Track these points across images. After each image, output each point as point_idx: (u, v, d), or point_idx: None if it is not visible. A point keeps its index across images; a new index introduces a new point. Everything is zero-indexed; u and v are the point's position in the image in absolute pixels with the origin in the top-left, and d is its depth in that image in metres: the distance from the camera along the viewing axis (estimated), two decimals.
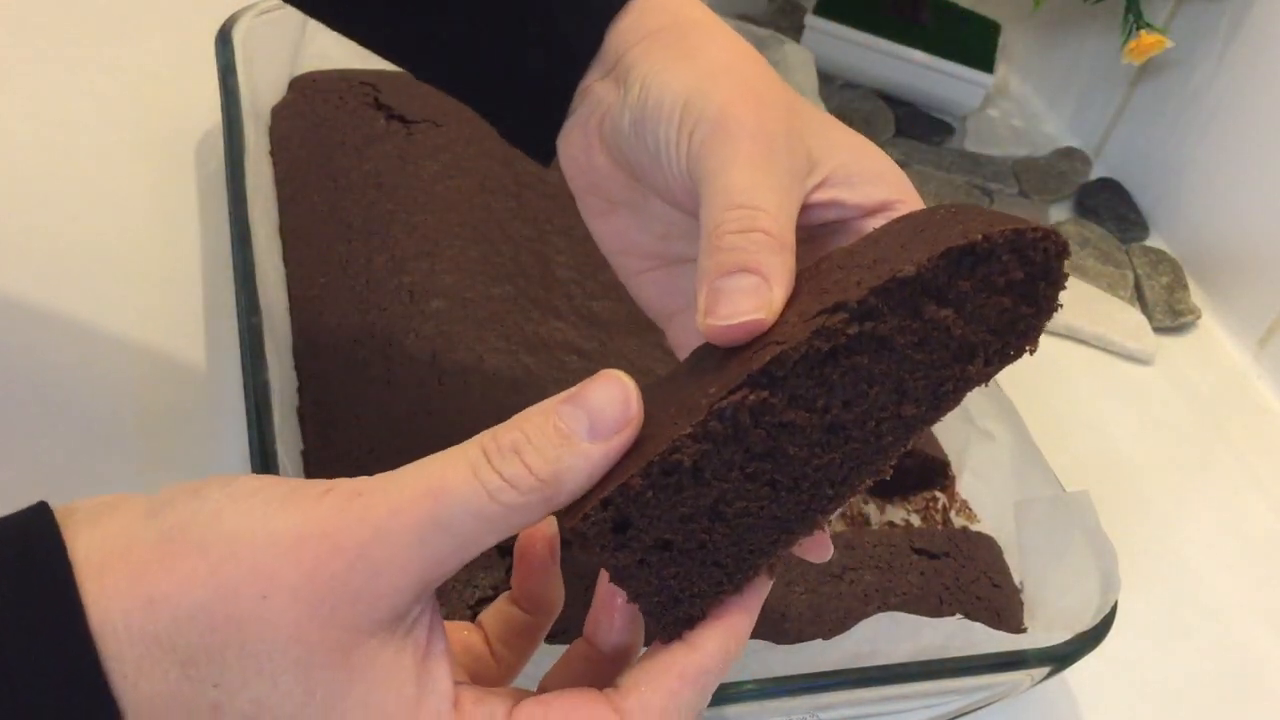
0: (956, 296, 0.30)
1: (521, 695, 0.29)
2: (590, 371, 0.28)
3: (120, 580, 0.26)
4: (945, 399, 0.31)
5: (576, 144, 0.39)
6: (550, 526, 0.33)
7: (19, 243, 0.63)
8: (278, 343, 0.52)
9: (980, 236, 0.29)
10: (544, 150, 0.40)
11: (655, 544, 0.29)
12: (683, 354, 0.38)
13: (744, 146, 0.32)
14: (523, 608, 0.33)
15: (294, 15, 0.70)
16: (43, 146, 0.69)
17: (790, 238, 0.32)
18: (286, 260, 0.59)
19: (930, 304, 0.30)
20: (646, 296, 0.40)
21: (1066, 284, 0.31)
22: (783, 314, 0.30)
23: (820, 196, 0.34)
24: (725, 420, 0.28)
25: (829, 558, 0.34)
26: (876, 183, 0.35)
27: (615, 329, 0.57)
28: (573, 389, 0.28)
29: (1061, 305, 0.31)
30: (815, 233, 0.35)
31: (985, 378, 0.32)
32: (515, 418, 0.27)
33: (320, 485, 0.27)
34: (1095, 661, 0.48)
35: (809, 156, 0.34)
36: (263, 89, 0.67)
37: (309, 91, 0.68)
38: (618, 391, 0.27)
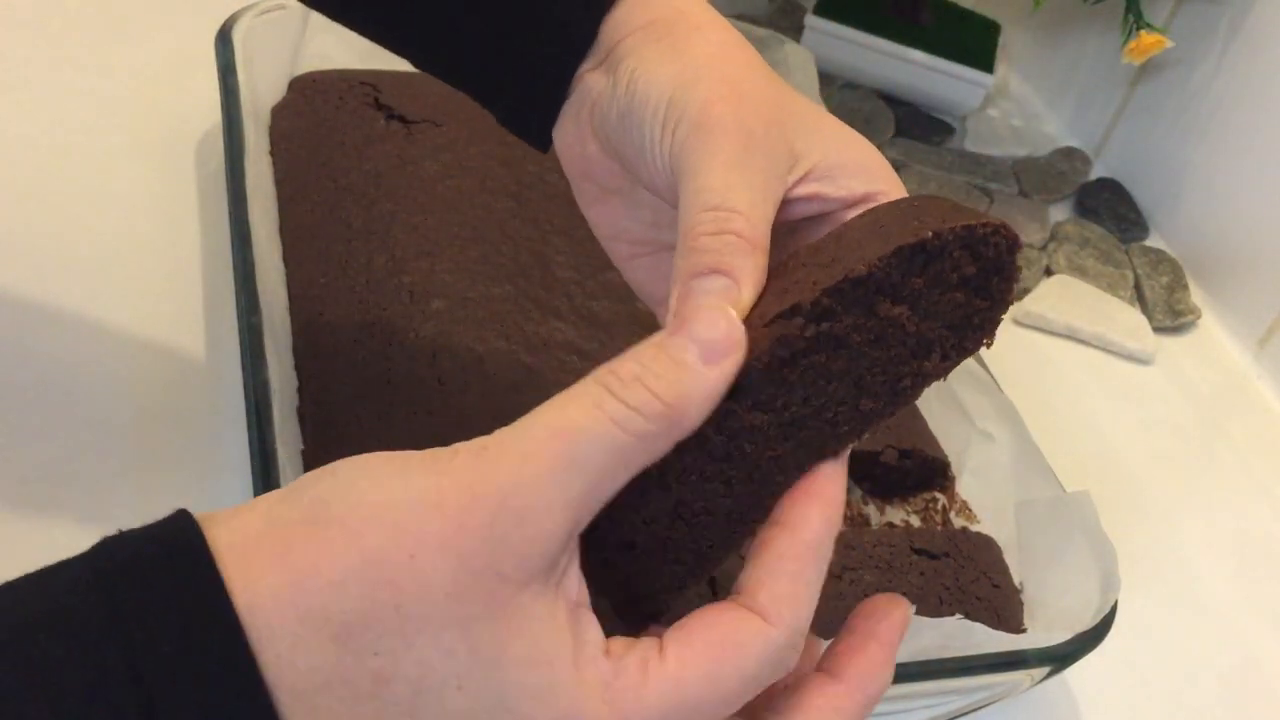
0: (910, 293, 0.30)
1: (658, 634, 0.29)
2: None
3: (265, 562, 0.25)
4: (903, 394, 0.32)
5: (570, 132, 0.39)
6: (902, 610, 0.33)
7: (19, 242, 0.63)
8: (278, 342, 0.52)
9: (930, 233, 0.29)
10: (542, 138, 0.41)
11: (619, 544, 0.30)
12: None
13: (722, 146, 0.33)
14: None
15: (294, 15, 0.70)
16: (43, 146, 0.69)
17: (763, 238, 0.32)
18: (286, 260, 0.59)
19: (884, 302, 0.30)
20: (638, 281, 0.41)
21: (1020, 276, 0.31)
22: (751, 311, 0.31)
23: (802, 190, 0.34)
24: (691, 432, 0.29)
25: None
26: (858, 175, 0.35)
27: (615, 329, 0.57)
28: (674, 322, 0.28)
29: (1018, 299, 0.31)
30: (798, 226, 0.36)
31: (943, 372, 0.32)
32: (628, 353, 0.27)
33: (445, 449, 0.27)
34: (1095, 661, 0.48)
35: (791, 151, 0.34)
36: (263, 89, 0.67)
37: (309, 91, 0.68)
38: (719, 317, 0.28)
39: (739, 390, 0.29)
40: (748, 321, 0.30)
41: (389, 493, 0.26)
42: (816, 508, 0.30)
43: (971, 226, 0.30)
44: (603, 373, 0.27)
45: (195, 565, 0.25)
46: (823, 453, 0.31)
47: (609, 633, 0.29)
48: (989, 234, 0.30)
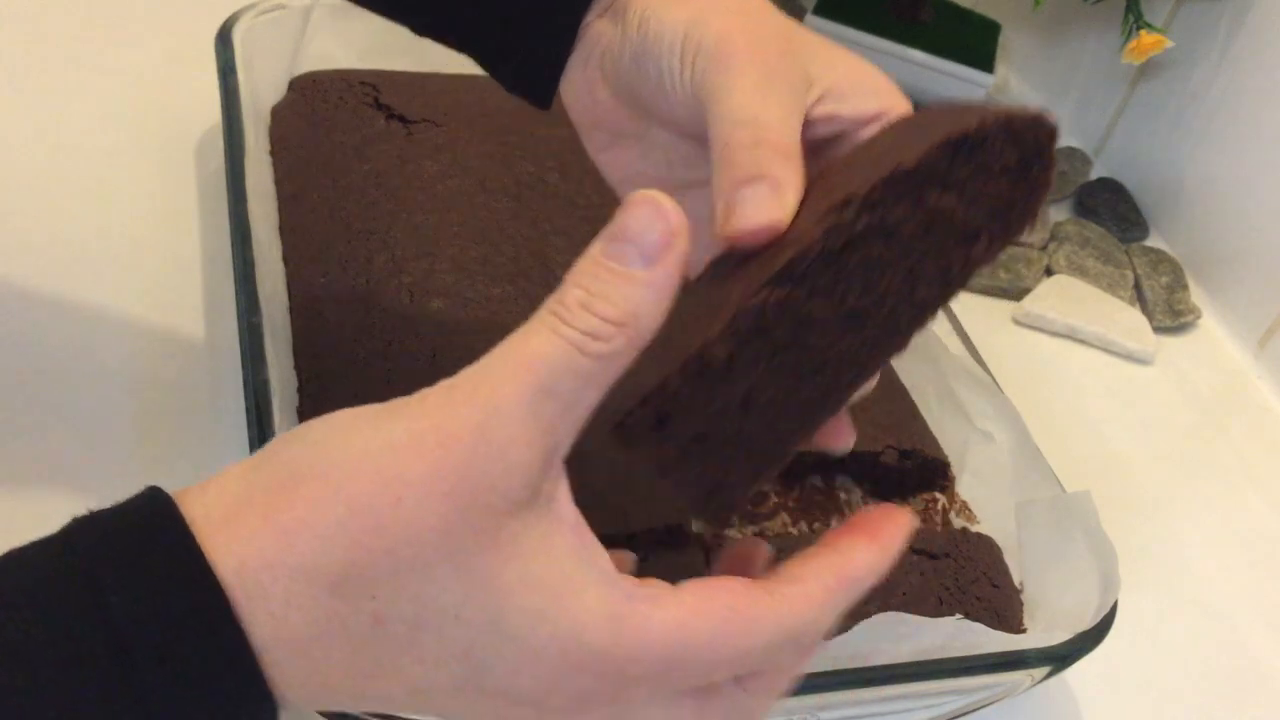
0: (957, 183, 0.31)
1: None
2: None
3: (250, 524, 0.26)
4: (954, 280, 0.33)
5: (579, 82, 0.41)
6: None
7: (19, 241, 0.63)
8: (278, 342, 0.52)
9: (975, 124, 0.31)
10: (545, 95, 0.42)
11: (693, 437, 0.31)
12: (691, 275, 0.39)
13: (745, 69, 0.34)
14: None
15: (294, 15, 0.70)
16: (43, 146, 0.69)
17: (797, 148, 0.33)
18: (286, 260, 0.59)
19: (933, 192, 0.31)
20: None
21: (1056, 163, 0.33)
22: (795, 218, 0.32)
23: (819, 111, 0.36)
24: (752, 318, 0.30)
25: (850, 446, 0.36)
26: (870, 95, 0.36)
27: None
28: (609, 226, 0.28)
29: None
30: (815, 147, 0.36)
31: (990, 258, 0.34)
32: (569, 275, 0.28)
33: (413, 395, 0.27)
34: (1095, 661, 0.48)
35: (805, 75, 0.36)
36: (263, 89, 0.68)
37: (309, 91, 0.68)
38: (651, 210, 0.28)
39: (798, 279, 0.30)
40: (796, 221, 0.31)
41: (365, 443, 0.26)
42: (872, 550, 0.31)
43: (1012, 116, 0.31)
44: (552, 303, 0.28)
45: (169, 533, 0.26)
46: (887, 348, 0.33)
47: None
48: (1029, 123, 0.32)
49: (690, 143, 0.39)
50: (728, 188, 0.32)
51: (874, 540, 0.31)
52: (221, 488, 0.27)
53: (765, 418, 0.32)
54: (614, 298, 0.27)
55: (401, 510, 0.25)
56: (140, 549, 0.25)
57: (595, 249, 0.28)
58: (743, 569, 0.33)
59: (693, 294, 0.33)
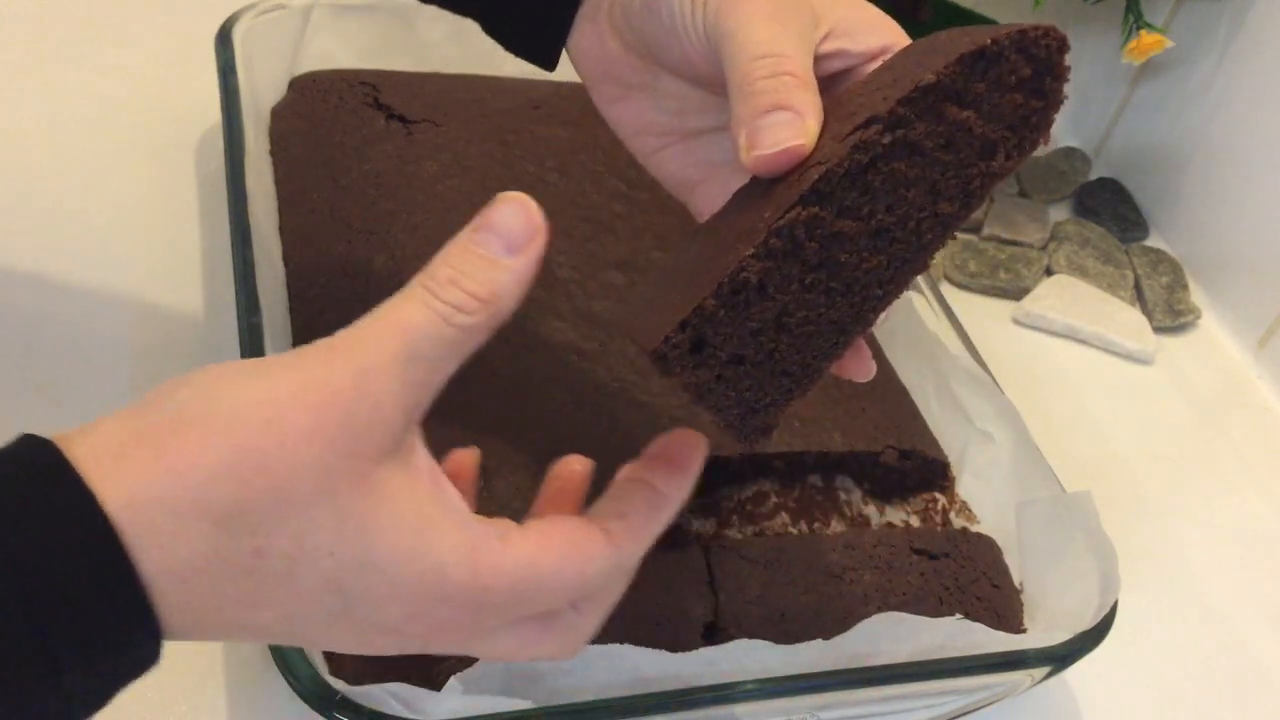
0: (974, 98, 0.33)
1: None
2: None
3: (140, 462, 0.27)
4: (974, 194, 0.35)
5: (588, 35, 0.42)
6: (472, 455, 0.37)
7: (19, 241, 0.63)
8: (278, 342, 0.52)
9: (990, 40, 0.32)
10: (550, 54, 0.43)
11: (729, 359, 0.33)
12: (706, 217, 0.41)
13: (757, 6, 0.36)
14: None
15: (294, 16, 0.70)
16: (43, 146, 0.70)
17: (813, 78, 0.35)
18: (286, 260, 0.59)
19: (952, 107, 0.33)
20: (667, 171, 0.43)
21: (1069, 76, 0.35)
22: (817, 143, 0.34)
23: (826, 47, 0.37)
24: (783, 237, 0.32)
25: (872, 375, 0.38)
26: (875, 31, 0.38)
27: (615, 329, 0.57)
28: (477, 219, 0.31)
29: (1067, 97, 0.35)
30: (824, 84, 0.37)
31: (1007, 171, 0.35)
32: (439, 256, 0.31)
33: (292, 351, 0.30)
34: (1095, 661, 0.48)
35: (813, 11, 0.37)
36: (263, 89, 0.67)
37: (309, 91, 0.68)
38: (518, 207, 0.31)
39: (825, 197, 0.32)
40: (819, 145, 0.33)
41: (252, 392, 0.28)
42: (674, 480, 0.34)
43: (1024, 31, 0.33)
44: (424, 277, 0.30)
45: (53, 471, 0.27)
46: (913, 266, 0.35)
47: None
48: (1040, 36, 0.34)
49: (701, 91, 0.41)
50: (749, 117, 0.34)
51: (674, 465, 0.35)
52: (107, 431, 0.28)
53: (798, 337, 0.34)
54: (480, 278, 0.30)
55: (286, 453, 0.28)
56: (27, 487, 0.26)
57: (465, 235, 0.31)
58: (564, 492, 0.36)
59: (717, 228, 0.35)
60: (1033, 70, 0.34)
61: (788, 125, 0.34)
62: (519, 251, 0.31)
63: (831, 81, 0.38)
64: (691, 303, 0.32)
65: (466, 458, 0.37)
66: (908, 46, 0.37)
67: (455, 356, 0.31)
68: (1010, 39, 0.33)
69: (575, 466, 0.37)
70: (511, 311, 0.31)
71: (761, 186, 0.35)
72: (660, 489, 0.34)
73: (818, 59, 0.37)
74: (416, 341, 0.29)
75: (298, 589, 0.29)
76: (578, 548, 0.32)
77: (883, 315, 0.36)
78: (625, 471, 0.35)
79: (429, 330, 0.30)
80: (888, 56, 0.38)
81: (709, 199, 0.42)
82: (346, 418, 0.28)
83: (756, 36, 0.35)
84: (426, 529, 0.30)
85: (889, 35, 0.38)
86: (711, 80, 0.38)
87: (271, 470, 0.28)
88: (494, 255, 0.31)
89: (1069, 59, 0.34)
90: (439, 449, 0.32)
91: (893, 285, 0.35)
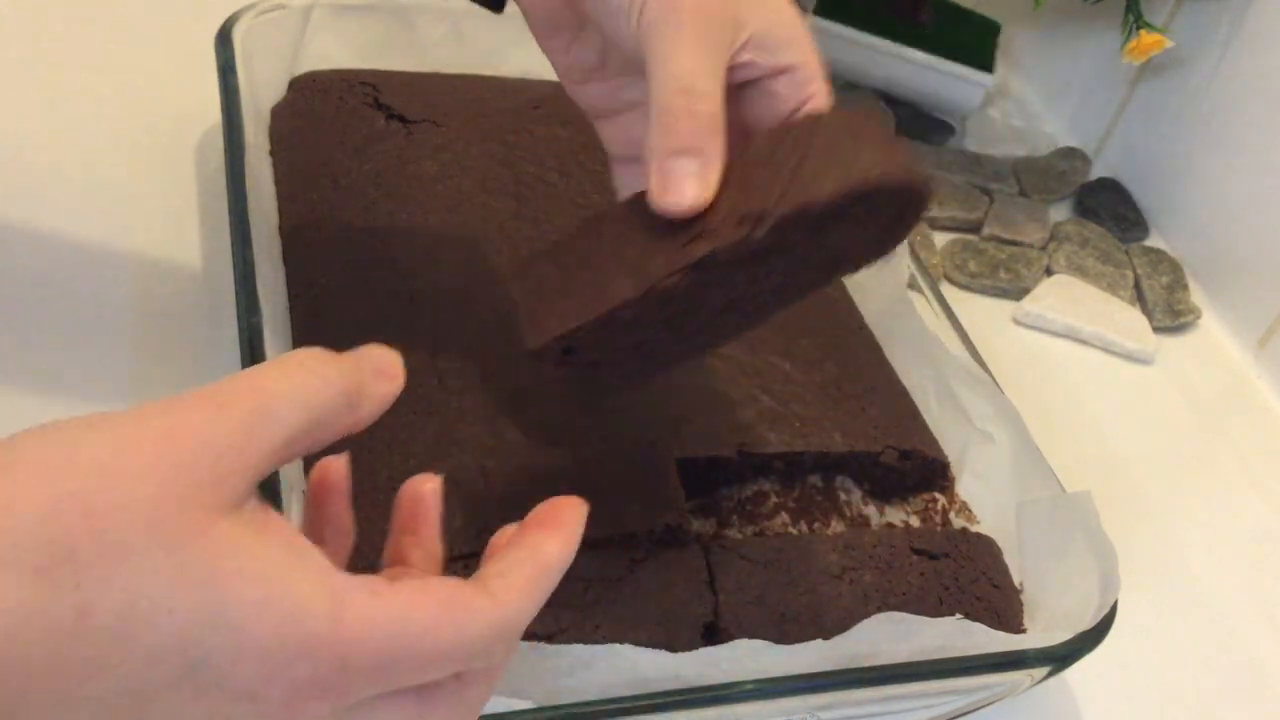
0: (850, 218, 0.37)
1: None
2: None
3: None
4: (820, 286, 0.43)
5: None
6: (341, 460, 0.35)
7: (19, 241, 0.63)
8: (278, 342, 0.52)
9: (877, 179, 0.36)
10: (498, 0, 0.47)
11: (589, 363, 0.40)
12: (613, 148, 0.46)
13: (687, 27, 0.37)
14: (317, 538, 0.34)
15: (294, 15, 0.70)
16: (43, 146, 0.70)
17: (722, 115, 0.37)
18: (286, 259, 0.59)
19: (829, 223, 0.37)
20: (585, 100, 0.46)
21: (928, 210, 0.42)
22: (716, 194, 0.37)
23: (742, 58, 0.39)
24: (662, 293, 0.37)
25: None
26: (788, 48, 0.39)
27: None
28: (353, 356, 0.32)
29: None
30: (732, 94, 0.39)
31: (857, 270, 0.42)
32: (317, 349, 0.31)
33: (145, 403, 0.28)
34: (1095, 661, 0.48)
35: (736, 18, 0.39)
36: (262, 88, 0.68)
37: (309, 91, 0.68)
38: (388, 357, 0.32)
39: (705, 269, 0.37)
40: (714, 208, 0.37)
41: (89, 436, 0.26)
42: (558, 538, 0.33)
43: (908, 181, 0.37)
44: (301, 351, 0.30)
45: None
46: (756, 321, 0.43)
47: None
48: (916, 185, 0.38)
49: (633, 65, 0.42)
50: (663, 152, 0.37)
51: (559, 529, 0.33)
52: None
53: (649, 355, 0.42)
54: (350, 376, 0.30)
55: (114, 494, 0.25)
56: None
57: (350, 356, 0.31)
58: (415, 516, 0.35)
59: (614, 227, 0.39)
60: (902, 206, 0.38)
61: (694, 177, 0.36)
62: (386, 380, 0.32)
63: (738, 93, 0.40)
64: (571, 323, 0.38)
65: (336, 468, 0.35)
66: (813, 123, 0.38)
67: (311, 435, 0.29)
68: (894, 184, 0.37)
69: (425, 486, 0.35)
70: (365, 420, 0.31)
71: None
72: (544, 548, 0.32)
73: (731, 68, 0.39)
74: (271, 401, 0.28)
75: (133, 651, 0.25)
76: (457, 604, 0.29)
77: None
78: (505, 535, 0.34)
79: (288, 398, 0.29)
80: (792, 75, 0.39)
81: (620, 128, 0.45)
82: (185, 465, 0.26)
83: (680, 66, 0.37)
84: (281, 577, 0.27)
85: (798, 55, 0.39)
86: (638, 64, 0.39)
87: (96, 514, 0.25)
88: (366, 367, 0.31)
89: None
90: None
91: (735, 331, 0.43)
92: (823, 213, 0.36)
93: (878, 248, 0.41)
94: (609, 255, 0.38)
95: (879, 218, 0.38)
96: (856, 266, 0.42)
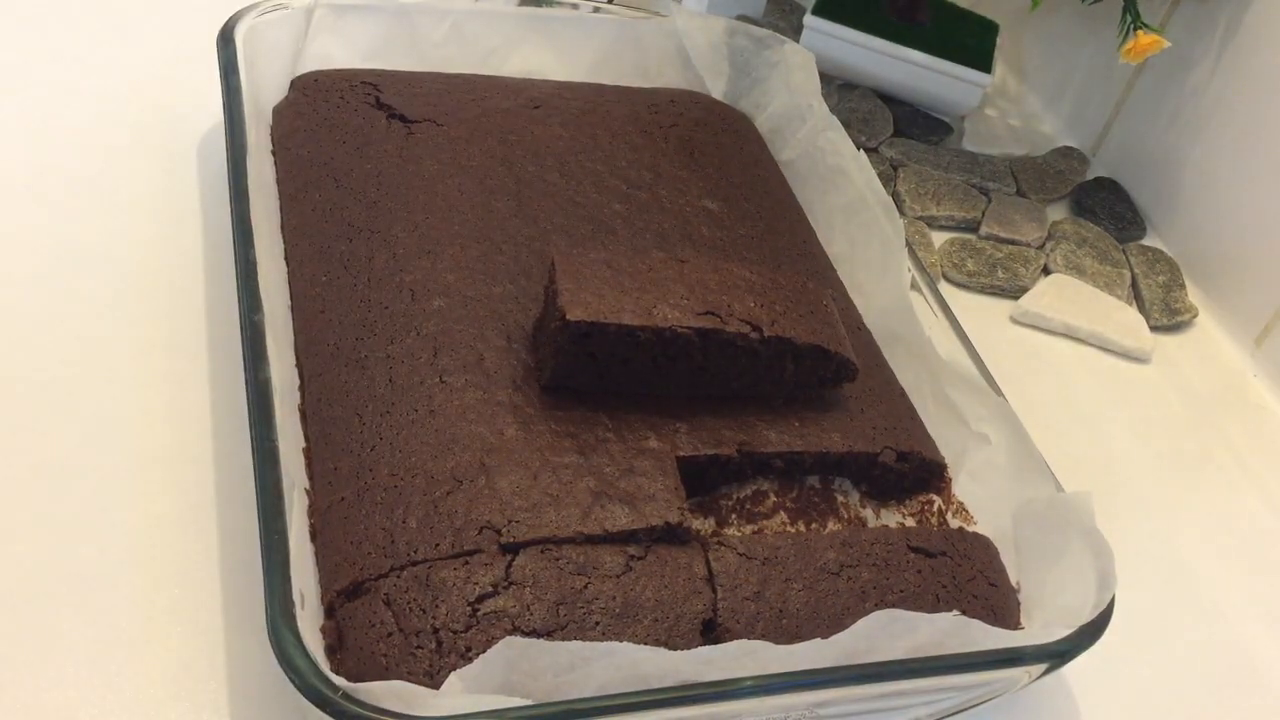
0: (799, 362, 0.54)
1: None
2: None
3: None
4: (756, 394, 0.55)
5: None
6: None
7: (20, 242, 0.63)
8: (279, 340, 0.52)
9: (834, 352, 0.54)
10: None
11: (589, 354, 0.50)
12: None
13: None
14: None
15: (295, 15, 0.70)
16: (44, 146, 0.70)
17: None
18: (288, 258, 0.59)
19: (785, 358, 0.53)
20: None
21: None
22: (704, 279, 0.52)
23: None
24: (677, 335, 0.50)
25: None
26: None
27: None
28: None
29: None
30: None
31: (779, 397, 0.56)
32: None
33: None
34: (1092, 659, 0.48)
35: None
36: (264, 88, 0.68)
37: (310, 91, 0.68)
38: None
39: (709, 335, 0.51)
40: (737, 306, 0.51)
41: None
42: None
43: (847, 360, 0.55)
44: None
45: None
46: (715, 389, 0.54)
47: None
48: (850, 364, 0.55)
49: None
50: None
51: None
52: None
53: (630, 375, 0.52)
54: None
55: None
56: None
57: None
58: None
59: (671, 269, 0.53)
60: (833, 371, 0.55)
61: None
62: None
63: None
64: (620, 318, 0.49)
65: None
66: (806, 286, 0.55)
67: None
68: (833, 357, 0.54)
69: None
70: None
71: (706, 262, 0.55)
72: None
73: None
74: None
75: None
76: None
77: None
78: None
79: None
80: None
81: None
82: None
83: None
84: None
85: None
86: None
87: None
88: None
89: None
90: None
91: (698, 392, 0.54)
92: (796, 349, 0.53)
93: (812, 386, 0.55)
94: (661, 288, 0.51)
95: (819, 371, 0.54)
96: (786, 401, 0.55)
